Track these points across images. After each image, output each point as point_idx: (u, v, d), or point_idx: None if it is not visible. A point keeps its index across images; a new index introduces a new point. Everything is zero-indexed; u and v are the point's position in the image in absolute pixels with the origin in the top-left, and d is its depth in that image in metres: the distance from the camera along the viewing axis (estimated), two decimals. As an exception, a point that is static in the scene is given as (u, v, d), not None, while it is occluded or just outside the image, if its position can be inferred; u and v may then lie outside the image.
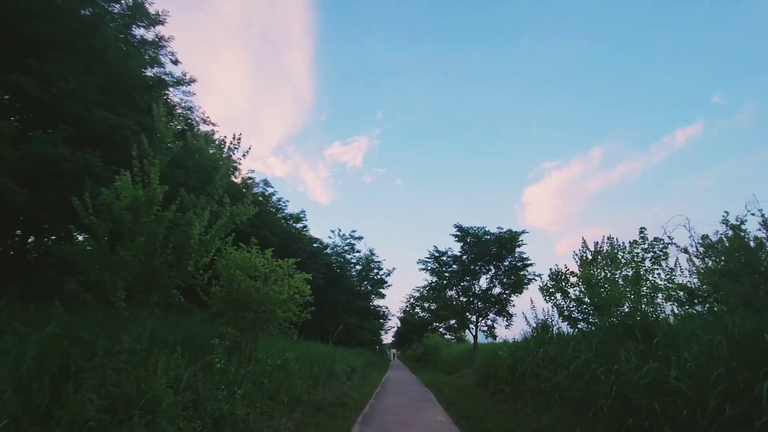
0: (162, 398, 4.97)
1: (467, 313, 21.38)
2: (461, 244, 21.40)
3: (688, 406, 3.97)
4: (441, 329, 46.68)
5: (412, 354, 51.57)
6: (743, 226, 5.50)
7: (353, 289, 37.77)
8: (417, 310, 52.10)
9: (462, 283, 21.46)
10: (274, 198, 33.68)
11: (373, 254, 40.83)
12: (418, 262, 22.68)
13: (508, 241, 19.81)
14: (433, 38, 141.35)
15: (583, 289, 8.50)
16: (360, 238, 39.64)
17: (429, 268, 22.42)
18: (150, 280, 5.29)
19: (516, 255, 20.27)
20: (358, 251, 39.91)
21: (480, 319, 20.86)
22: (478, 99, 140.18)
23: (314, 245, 36.47)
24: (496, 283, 20.67)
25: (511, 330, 20.03)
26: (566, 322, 8.85)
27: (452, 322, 24.27)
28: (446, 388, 15.35)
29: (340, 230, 40.18)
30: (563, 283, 9.09)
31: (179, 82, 15.54)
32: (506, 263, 20.38)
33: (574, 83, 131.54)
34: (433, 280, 22.75)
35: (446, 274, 22.06)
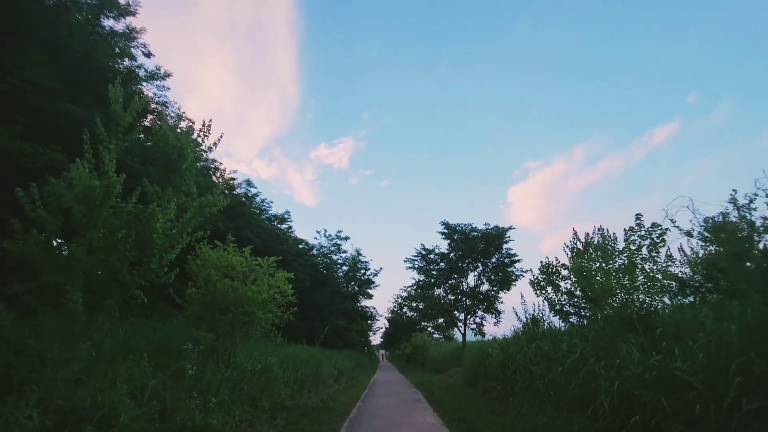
0: (121, 410, 4.45)
1: (455, 312, 21.06)
2: (448, 241, 21.09)
3: (700, 400, 3.67)
4: (429, 328, 46.53)
5: (400, 354, 51.15)
6: (752, 205, 5.26)
7: (340, 290, 37.23)
8: (405, 309, 51.95)
9: (450, 281, 21.12)
10: (258, 199, 32.98)
11: (359, 254, 40.34)
12: (405, 261, 22.26)
13: (496, 237, 19.56)
14: (419, 40, 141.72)
15: (574, 281, 8.23)
16: (346, 238, 39.13)
17: (416, 266, 22.00)
18: (109, 279, 4.76)
19: (503, 251, 20.01)
20: (345, 251, 39.38)
21: (468, 316, 20.55)
22: (463, 100, 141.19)
23: (300, 246, 35.86)
24: (484, 280, 20.40)
25: (500, 327, 19.82)
26: (558, 316, 8.57)
27: (440, 320, 23.94)
28: (435, 388, 15.00)
29: (326, 231, 39.60)
30: (554, 276, 8.81)
31: (153, 75, 14.85)
32: (494, 260, 20.11)
33: (556, 83, 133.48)
34: (421, 279, 22.36)
35: (434, 272, 21.68)
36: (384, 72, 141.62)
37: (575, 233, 8.61)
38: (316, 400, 11.28)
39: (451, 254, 21.14)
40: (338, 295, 36.40)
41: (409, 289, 50.87)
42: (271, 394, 9.40)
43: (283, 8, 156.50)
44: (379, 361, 52.55)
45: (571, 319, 8.33)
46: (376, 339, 72.64)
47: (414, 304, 49.59)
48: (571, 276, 8.34)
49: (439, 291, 21.83)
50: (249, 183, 31.28)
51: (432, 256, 21.61)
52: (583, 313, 8.04)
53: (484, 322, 20.12)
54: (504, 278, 19.62)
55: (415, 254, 21.86)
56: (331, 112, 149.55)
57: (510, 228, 19.87)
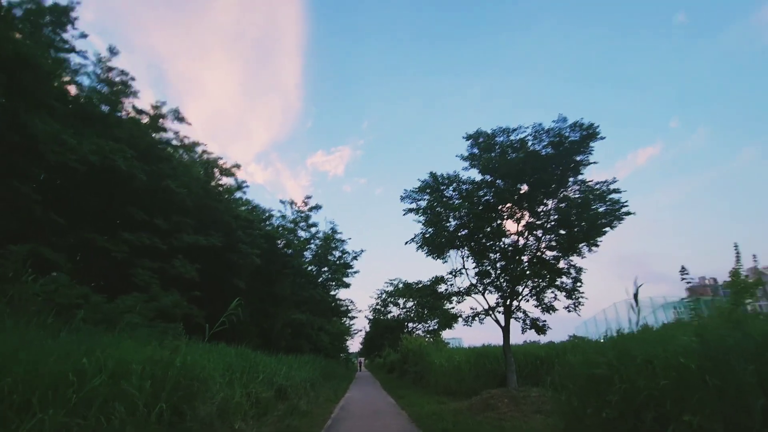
0: None
1: (489, 289, 11.88)
2: (478, 170, 11.89)
3: None
4: (419, 331, 37.22)
5: (381, 363, 41.50)
6: None
7: (304, 273, 27.55)
8: (390, 308, 42.51)
9: (478, 235, 11.89)
10: (199, 149, 23.67)
11: (335, 231, 30.77)
12: (402, 200, 12.83)
13: (580, 145, 10.36)
14: (420, 54, 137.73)
15: None
16: (318, 207, 29.57)
17: (421, 207, 12.62)
18: None
19: (581, 178, 10.90)
20: (315, 224, 29.76)
21: (514, 298, 11.38)
22: (459, 114, 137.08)
23: (254, 214, 26.29)
24: (543, 236, 11.27)
25: (578, 316, 10.75)
26: None
27: (454, 307, 14.52)
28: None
29: (292, 201, 29.92)
30: None
31: None
32: (567, 190, 10.98)
33: (546, 103, 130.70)
34: (427, 231, 12.93)
35: (451, 222, 12.42)
36: (385, 84, 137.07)
37: None
38: None
39: (484, 190, 11.86)
40: (301, 279, 26.81)
41: (395, 282, 41.51)
42: None
43: (293, 19, 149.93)
44: (357, 371, 42.81)
45: None
46: (355, 345, 62.97)
47: (401, 302, 40.31)
48: None
49: (458, 254, 12.50)
50: (179, 117, 21.31)
51: (450, 191, 12.19)
52: None
53: (553, 305, 10.87)
54: (590, 225, 10.37)
55: (421, 184, 12.32)
56: (332, 121, 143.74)
57: (598, 134, 10.62)
